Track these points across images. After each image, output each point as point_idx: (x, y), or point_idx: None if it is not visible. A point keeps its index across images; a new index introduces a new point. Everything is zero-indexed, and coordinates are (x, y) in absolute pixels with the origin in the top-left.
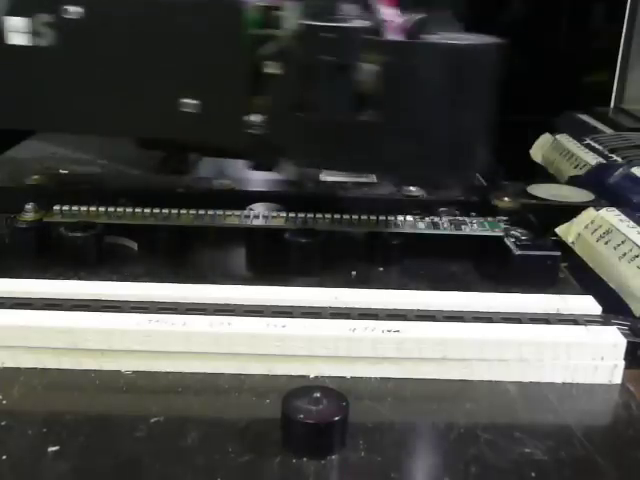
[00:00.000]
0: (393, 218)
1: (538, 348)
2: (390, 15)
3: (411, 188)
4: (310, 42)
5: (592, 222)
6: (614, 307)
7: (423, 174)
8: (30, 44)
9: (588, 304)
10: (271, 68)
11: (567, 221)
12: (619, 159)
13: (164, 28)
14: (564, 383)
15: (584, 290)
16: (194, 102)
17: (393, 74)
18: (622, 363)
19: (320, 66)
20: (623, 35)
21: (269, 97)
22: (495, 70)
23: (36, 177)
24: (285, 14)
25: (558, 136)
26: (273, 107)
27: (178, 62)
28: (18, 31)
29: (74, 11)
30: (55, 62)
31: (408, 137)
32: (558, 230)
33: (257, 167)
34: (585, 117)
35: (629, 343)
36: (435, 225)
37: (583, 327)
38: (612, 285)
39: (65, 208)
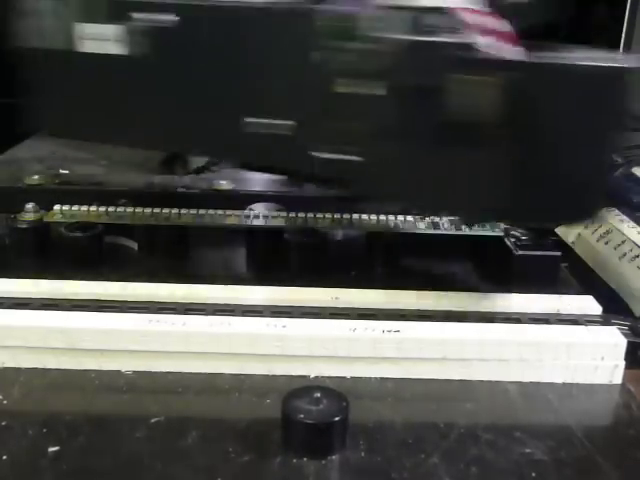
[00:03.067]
0: (393, 218)
1: (538, 348)
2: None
3: None
4: (400, 60)
5: (592, 222)
6: (614, 307)
7: (540, 218)
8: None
9: (588, 304)
10: (348, 87)
11: None
12: (619, 159)
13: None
14: (564, 383)
15: (584, 290)
16: (260, 121)
17: (509, 99)
18: (622, 363)
19: (407, 87)
20: (623, 35)
21: (347, 120)
22: (627, 97)
23: (36, 177)
24: (363, 25)
25: None
26: (350, 132)
27: (247, 78)
28: (96, 38)
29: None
30: (135, 72)
31: (526, 176)
32: (558, 230)
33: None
34: None
35: (629, 343)
36: (435, 225)
37: (583, 327)
38: (612, 285)
39: (65, 208)
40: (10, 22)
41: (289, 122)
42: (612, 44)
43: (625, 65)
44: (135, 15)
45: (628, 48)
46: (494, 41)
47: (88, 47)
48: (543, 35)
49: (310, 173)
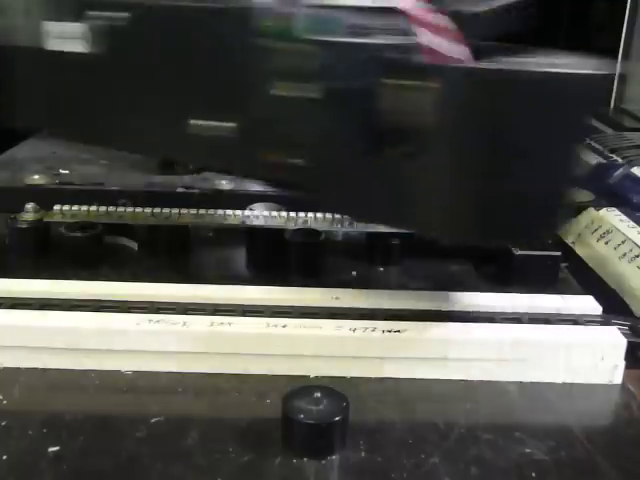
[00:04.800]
0: None
1: (538, 348)
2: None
3: None
4: (332, 62)
5: (592, 222)
6: (614, 307)
7: (482, 236)
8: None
9: (588, 304)
10: (285, 89)
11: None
12: (619, 159)
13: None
14: (564, 383)
15: (584, 290)
16: (207, 123)
17: (446, 104)
18: (622, 363)
19: (341, 91)
20: (623, 35)
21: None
22: (590, 106)
23: (36, 177)
24: (298, 25)
25: None
26: (290, 135)
27: (189, 78)
28: (57, 37)
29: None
30: (88, 69)
31: (461, 188)
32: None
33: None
34: None
35: (629, 343)
36: None
37: (583, 327)
38: (612, 285)
39: (65, 208)
40: None
41: (230, 125)
42: (612, 44)
43: (581, 72)
44: (91, 13)
45: (628, 48)
46: (439, 39)
47: (53, 45)
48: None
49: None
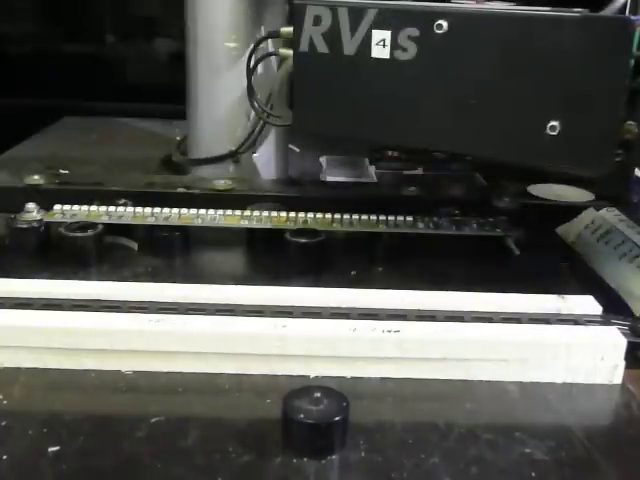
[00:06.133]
0: (393, 218)
1: (538, 348)
2: None
3: (411, 188)
4: None
5: (592, 222)
6: (614, 307)
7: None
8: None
9: (588, 304)
10: None
11: (567, 221)
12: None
13: (536, 45)
14: (564, 383)
15: (584, 290)
16: (557, 125)
17: None
18: (622, 363)
19: None
20: None
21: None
22: None
23: (36, 177)
24: None
25: None
26: None
27: (545, 82)
28: (382, 44)
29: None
30: (413, 76)
31: None
32: (558, 230)
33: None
34: None
35: (629, 343)
36: (435, 225)
37: (583, 327)
38: (612, 285)
39: (65, 208)
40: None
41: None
42: None
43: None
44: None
45: None
46: None
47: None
48: None
49: None
